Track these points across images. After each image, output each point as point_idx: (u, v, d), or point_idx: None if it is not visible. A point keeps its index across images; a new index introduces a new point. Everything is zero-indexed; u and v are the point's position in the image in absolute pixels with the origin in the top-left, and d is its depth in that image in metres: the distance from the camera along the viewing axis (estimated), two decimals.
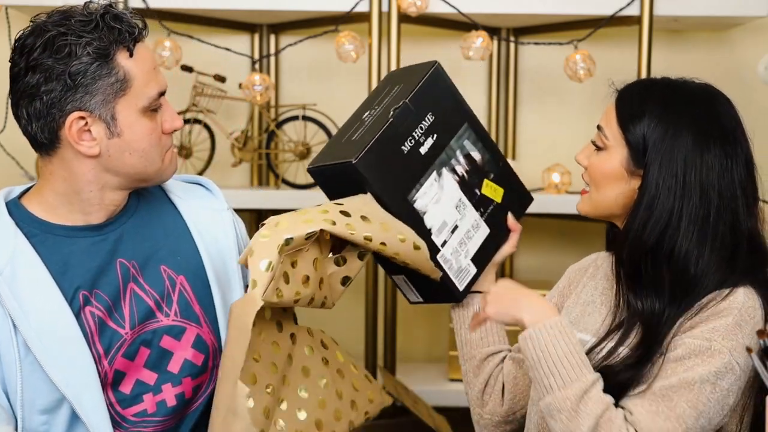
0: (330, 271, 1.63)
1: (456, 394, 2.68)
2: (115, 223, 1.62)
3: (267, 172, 2.97)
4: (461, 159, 1.76)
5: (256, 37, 2.96)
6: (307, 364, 1.67)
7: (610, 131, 1.59)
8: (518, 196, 1.85)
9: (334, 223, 1.55)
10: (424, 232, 1.68)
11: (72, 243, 1.58)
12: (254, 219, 2.96)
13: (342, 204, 1.60)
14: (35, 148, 1.58)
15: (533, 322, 1.50)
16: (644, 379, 1.50)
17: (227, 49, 2.76)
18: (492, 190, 1.80)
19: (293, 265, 1.55)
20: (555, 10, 2.65)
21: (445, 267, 1.72)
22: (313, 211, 1.57)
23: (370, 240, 1.57)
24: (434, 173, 1.71)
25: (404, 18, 2.64)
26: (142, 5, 2.59)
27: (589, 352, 1.57)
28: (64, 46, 1.48)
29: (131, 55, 1.53)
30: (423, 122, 1.71)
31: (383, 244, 1.59)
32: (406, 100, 1.69)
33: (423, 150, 1.70)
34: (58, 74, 1.49)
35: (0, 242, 1.54)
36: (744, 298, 1.50)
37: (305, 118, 2.80)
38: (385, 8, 2.62)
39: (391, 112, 1.67)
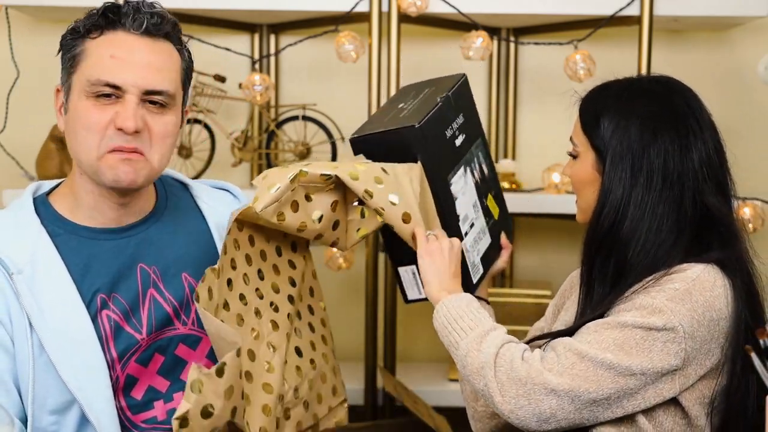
0: (351, 217, 1.69)
1: (456, 394, 2.67)
2: (138, 227, 1.62)
3: None
4: (477, 166, 1.86)
5: (256, 37, 2.96)
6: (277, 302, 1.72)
7: (578, 139, 1.67)
8: (507, 219, 1.98)
9: (356, 178, 1.61)
10: (454, 217, 1.76)
11: (94, 245, 1.58)
12: None
13: (385, 167, 1.66)
14: None
15: (438, 299, 1.63)
16: None
17: (227, 49, 2.76)
18: (492, 206, 1.87)
19: (307, 198, 1.61)
20: (555, 10, 2.65)
21: (465, 255, 1.77)
22: (346, 162, 1.64)
23: (371, 196, 1.63)
24: (463, 167, 1.82)
25: (404, 18, 2.64)
26: None
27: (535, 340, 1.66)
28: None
29: (95, 38, 1.54)
30: (458, 119, 1.82)
31: (382, 209, 1.65)
32: (449, 93, 1.79)
33: (457, 143, 1.81)
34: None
35: (23, 240, 1.55)
36: (702, 272, 1.53)
37: (305, 118, 2.79)
38: (385, 8, 2.62)
39: (438, 99, 1.76)
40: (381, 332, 2.76)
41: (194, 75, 2.74)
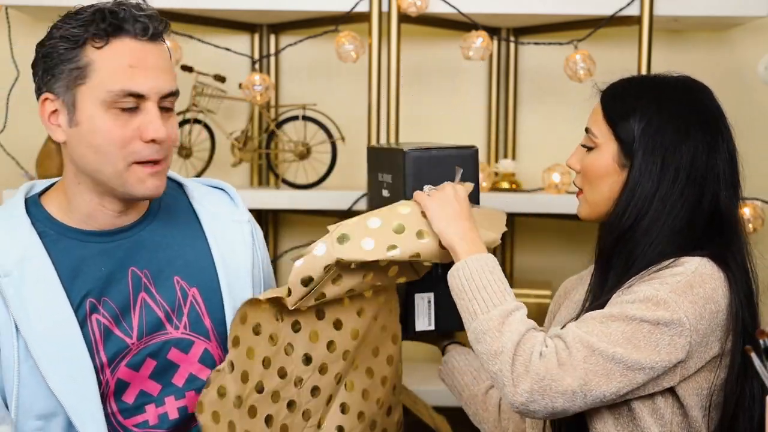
0: (390, 275, 1.70)
1: None
2: (130, 231, 1.60)
3: (267, 172, 2.97)
4: None
5: (256, 37, 2.96)
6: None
7: (599, 130, 1.65)
8: None
9: (394, 247, 1.60)
10: None
11: (84, 247, 1.56)
12: (254, 219, 2.96)
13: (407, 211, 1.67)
14: None
15: (465, 252, 1.59)
16: None
17: (227, 49, 2.76)
18: None
19: (335, 281, 1.60)
20: (555, 10, 2.65)
21: None
22: (377, 234, 1.61)
23: (418, 256, 1.64)
24: None
25: (404, 18, 2.64)
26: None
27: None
28: (51, 30, 1.53)
29: (100, 47, 1.49)
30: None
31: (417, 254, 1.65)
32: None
33: None
34: (40, 57, 1.54)
35: (13, 241, 1.53)
36: (698, 265, 1.54)
37: (305, 118, 2.79)
38: (385, 8, 2.62)
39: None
40: None
41: (194, 75, 2.76)
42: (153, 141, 1.50)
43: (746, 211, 2.65)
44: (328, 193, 2.74)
